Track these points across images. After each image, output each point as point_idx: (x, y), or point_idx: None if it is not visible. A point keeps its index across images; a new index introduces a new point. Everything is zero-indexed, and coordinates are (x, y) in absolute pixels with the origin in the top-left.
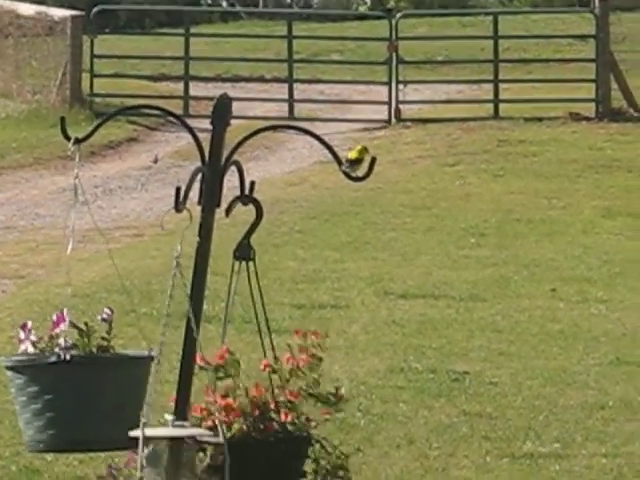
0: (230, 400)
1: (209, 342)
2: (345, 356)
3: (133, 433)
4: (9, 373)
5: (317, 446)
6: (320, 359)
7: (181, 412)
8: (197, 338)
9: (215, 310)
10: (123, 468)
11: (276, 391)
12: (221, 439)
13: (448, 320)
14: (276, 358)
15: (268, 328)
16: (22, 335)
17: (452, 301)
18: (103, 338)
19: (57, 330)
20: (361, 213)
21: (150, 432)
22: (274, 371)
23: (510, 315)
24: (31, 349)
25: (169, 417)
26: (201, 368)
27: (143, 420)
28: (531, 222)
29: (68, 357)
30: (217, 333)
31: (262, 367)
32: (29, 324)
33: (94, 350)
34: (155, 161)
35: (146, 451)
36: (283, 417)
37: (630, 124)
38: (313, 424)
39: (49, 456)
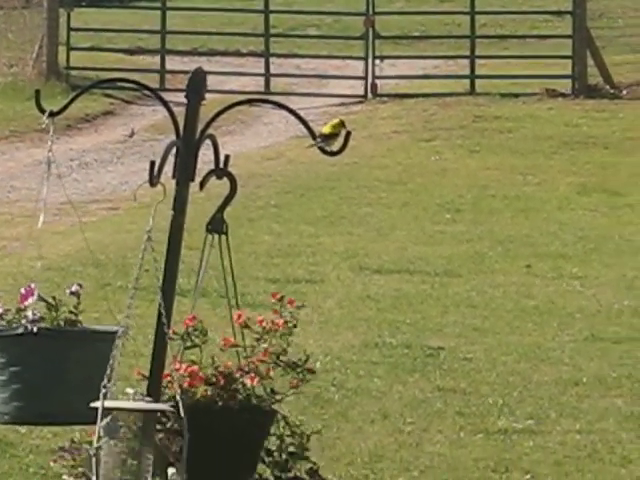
0: (196, 367)
1: (183, 315)
2: (319, 331)
3: (93, 404)
4: None
5: (282, 423)
6: (294, 326)
7: (154, 385)
8: (164, 313)
9: (189, 284)
10: (85, 439)
11: (243, 353)
12: (181, 412)
13: (423, 295)
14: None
15: (237, 302)
16: None
17: (427, 276)
18: (71, 312)
19: (25, 303)
20: (337, 188)
21: (109, 404)
22: (246, 325)
23: (485, 291)
24: None
25: (130, 390)
26: (169, 339)
27: (103, 391)
28: (506, 198)
29: (35, 329)
30: (191, 307)
31: (235, 318)
32: None
33: (62, 324)
34: (131, 135)
35: (104, 421)
36: (249, 381)
37: (606, 101)
38: (278, 397)
39: (23, 429)
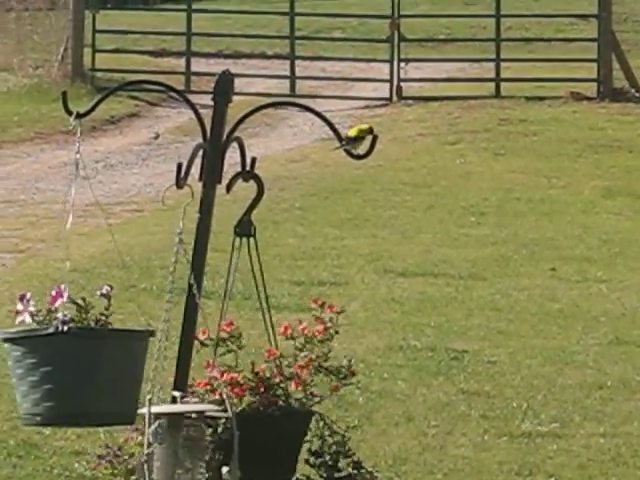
0: (235, 374)
1: (208, 318)
2: (344, 333)
3: (140, 411)
4: (6, 345)
5: (321, 423)
6: (336, 332)
7: (180, 388)
8: (200, 312)
9: (215, 286)
10: (124, 447)
11: (285, 362)
12: (229, 413)
13: (447, 298)
14: (273, 332)
15: (268, 304)
16: (20, 306)
17: (451, 279)
18: (101, 314)
19: (55, 304)
20: (361, 190)
21: (157, 409)
22: (292, 337)
23: (509, 294)
24: (29, 320)
25: (177, 393)
26: (202, 344)
27: (149, 396)
28: (531, 201)
29: (65, 329)
30: (217, 309)
31: (282, 330)
32: (28, 295)
33: (92, 324)
34: (156, 137)
35: (152, 427)
36: (293, 386)
37: (631, 104)
38: (317, 399)
39: (47, 430)
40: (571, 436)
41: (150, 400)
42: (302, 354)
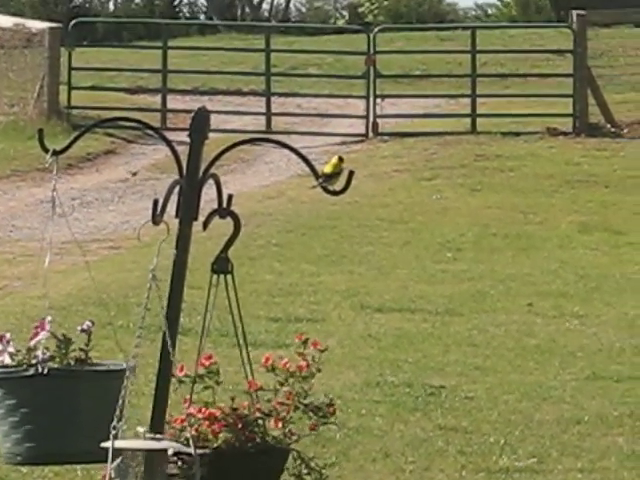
0: (213, 410)
1: (185, 354)
2: (321, 369)
3: (104, 444)
4: None
5: (298, 461)
6: (318, 370)
7: (157, 425)
8: (172, 359)
9: (192, 323)
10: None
11: (265, 397)
12: (193, 452)
13: (424, 334)
14: (252, 370)
15: (245, 341)
16: (0, 346)
17: (428, 315)
18: (81, 349)
19: (36, 339)
20: (338, 227)
21: (121, 444)
22: (273, 369)
23: (486, 329)
24: (8, 360)
25: (141, 429)
26: (179, 382)
27: (113, 432)
28: (508, 237)
29: (46, 370)
30: (193, 346)
31: (263, 361)
32: (7, 335)
33: (72, 362)
34: (134, 174)
35: (115, 463)
36: (273, 424)
37: (607, 139)
38: (295, 437)
39: (24, 468)
40: (549, 471)
41: (115, 435)
42: (284, 388)
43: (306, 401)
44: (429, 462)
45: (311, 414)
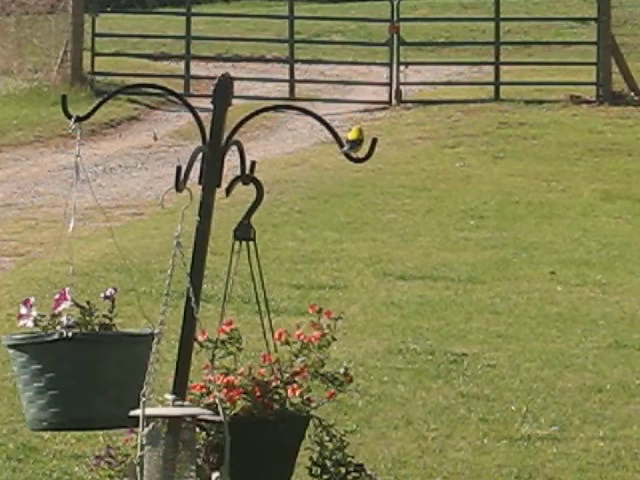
0: (231, 377)
1: (207, 321)
2: (343, 337)
3: (133, 412)
4: (11, 351)
5: (319, 428)
6: (332, 339)
7: (180, 391)
8: (197, 317)
9: (214, 289)
10: (121, 447)
11: (282, 367)
12: (221, 417)
13: (447, 302)
14: (273, 335)
15: (267, 308)
16: (23, 310)
17: (451, 283)
18: (105, 316)
19: (59, 309)
20: (361, 194)
21: (150, 411)
22: (287, 342)
23: (509, 297)
24: (30, 324)
25: (169, 397)
26: (201, 345)
27: (143, 399)
28: (530, 205)
29: (70, 335)
30: (216, 312)
31: (277, 336)
32: (32, 300)
33: (96, 328)
34: (155, 138)
35: (146, 430)
36: (290, 392)
37: (630, 107)
38: (313, 405)
39: (46, 434)
40: (570, 439)
41: (145, 402)
42: (298, 360)
43: (322, 370)
44: (451, 430)
45: (328, 383)
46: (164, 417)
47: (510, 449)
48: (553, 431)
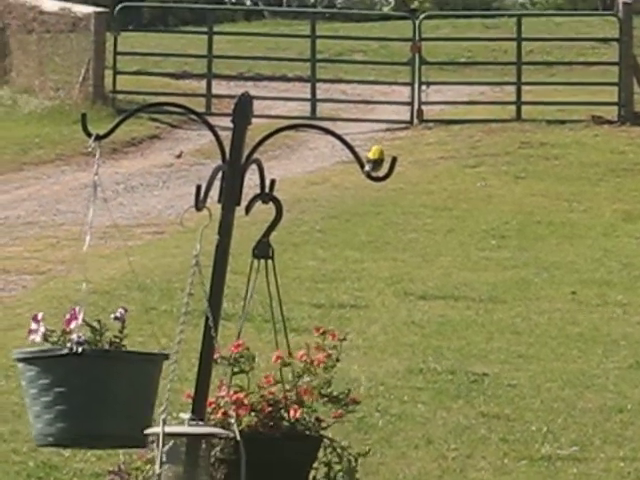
0: (241, 395)
1: (228, 340)
2: (364, 356)
3: (152, 430)
4: (20, 365)
5: (329, 449)
6: (337, 360)
7: (199, 409)
8: (214, 336)
9: (235, 308)
10: (136, 461)
11: (287, 387)
12: (237, 436)
13: (467, 321)
14: (290, 354)
15: (285, 327)
16: (33, 325)
17: (472, 302)
18: (115, 336)
19: (70, 327)
20: (382, 213)
21: (169, 429)
22: (285, 364)
23: (530, 317)
24: (38, 339)
25: (185, 415)
26: (215, 363)
27: (163, 416)
28: (552, 225)
29: (80, 350)
30: (236, 331)
31: (274, 359)
32: (40, 315)
33: (106, 346)
34: (179, 155)
35: (167, 447)
36: (292, 413)
37: None
38: (324, 425)
39: (67, 452)
40: (591, 460)
41: (164, 420)
42: (303, 380)
43: (327, 391)
44: (471, 449)
45: (331, 405)
46: (182, 435)
47: (530, 469)
48: (574, 451)
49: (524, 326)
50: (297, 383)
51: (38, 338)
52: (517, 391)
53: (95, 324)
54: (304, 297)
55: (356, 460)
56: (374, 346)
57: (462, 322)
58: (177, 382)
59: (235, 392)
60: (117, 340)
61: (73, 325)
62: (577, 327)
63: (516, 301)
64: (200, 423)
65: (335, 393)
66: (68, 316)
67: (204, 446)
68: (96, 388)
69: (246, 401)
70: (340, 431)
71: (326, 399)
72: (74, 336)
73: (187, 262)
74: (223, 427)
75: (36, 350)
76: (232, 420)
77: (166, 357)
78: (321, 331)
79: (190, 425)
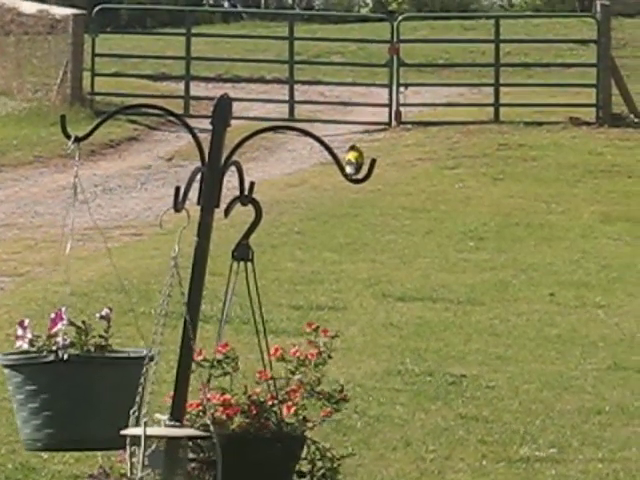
0: (228, 396)
1: (206, 342)
2: (342, 358)
3: (132, 431)
4: (6, 371)
5: (312, 447)
6: (329, 357)
7: (177, 412)
8: (193, 339)
9: (213, 310)
10: (116, 464)
11: (278, 385)
12: (214, 437)
13: (446, 323)
14: (266, 360)
15: (264, 329)
16: (20, 332)
17: (450, 304)
18: (101, 336)
19: (55, 329)
20: (360, 215)
21: (151, 431)
22: (283, 358)
23: (508, 319)
24: (25, 346)
25: (161, 417)
26: (198, 365)
27: (144, 419)
28: (530, 226)
29: (65, 356)
30: (214, 333)
31: (272, 352)
32: (26, 322)
33: (92, 349)
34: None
35: (149, 450)
36: (285, 411)
37: (630, 130)
38: (310, 425)
39: (45, 454)
40: (569, 461)
41: (146, 422)
42: (295, 377)
43: (318, 388)
44: (450, 451)
45: (324, 401)
46: (163, 437)
47: (509, 471)
48: (552, 453)
49: (502, 328)
50: (290, 380)
51: (25, 345)
52: (495, 393)
53: (80, 324)
54: (283, 299)
55: (339, 461)
56: (352, 348)
57: (440, 324)
58: (156, 384)
59: (222, 394)
60: (103, 340)
61: (59, 326)
62: (555, 329)
63: (494, 303)
64: (178, 424)
65: (327, 390)
66: (53, 316)
67: (182, 447)
68: (82, 393)
69: (233, 402)
70: (319, 433)
71: (318, 396)
72: (59, 339)
73: (165, 264)
74: (209, 430)
75: (22, 357)
76: (209, 422)
77: (151, 359)
78: (313, 327)
79: (167, 426)
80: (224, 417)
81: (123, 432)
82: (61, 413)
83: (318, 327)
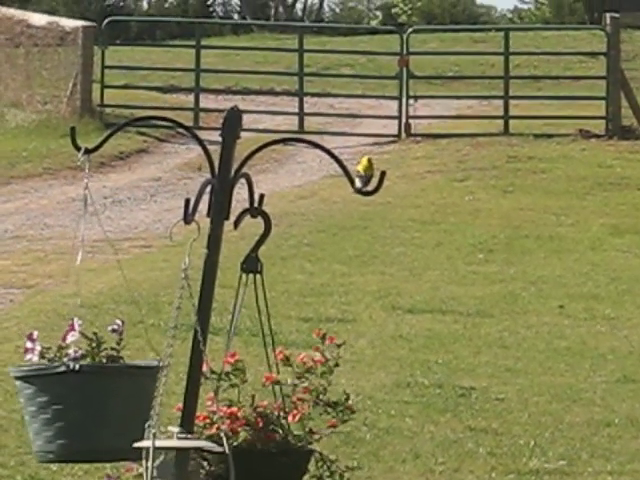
0: (235, 409)
1: (216, 354)
2: (352, 370)
3: (142, 444)
4: (18, 383)
5: (319, 463)
6: (335, 365)
7: (187, 423)
8: (203, 350)
9: (222, 322)
10: (124, 475)
11: (284, 390)
12: (226, 450)
13: (455, 335)
14: (274, 370)
15: (272, 341)
16: (29, 344)
17: (459, 316)
18: (113, 348)
19: (67, 340)
20: (370, 227)
21: (159, 443)
22: (287, 360)
23: (517, 331)
24: (35, 359)
25: (174, 429)
26: (205, 378)
27: (153, 431)
28: (539, 238)
29: (77, 367)
30: (224, 345)
31: (275, 355)
32: (35, 334)
33: (103, 360)
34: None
35: (157, 461)
36: (290, 418)
37: (639, 142)
38: (316, 437)
39: (54, 466)
40: (579, 474)
41: (154, 434)
42: (302, 384)
43: (324, 398)
44: (459, 463)
45: (330, 410)
46: (172, 449)
47: None
48: (561, 465)
49: (512, 340)
50: (296, 386)
51: (35, 357)
52: (505, 405)
53: (91, 336)
54: (292, 311)
55: (346, 473)
56: (362, 360)
57: (450, 336)
58: (165, 396)
59: (228, 406)
60: (115, 353)
61: (70, 337)
62: (565, 341)
63: (504, 315)
64: (189, 436)
65: (333, 399)
66: (68, 328)
67: (193, 460)
68: (94, 404)
69: (240, 414)
70: (328, 445)
71: (323, 404)
72: (70, 351)
73: (175, 276)
74: (217, 442)
75: (34, 368)
76: (222, 434)
77: (162, 369)
78: (321, 334)
79: (179, 438)
80: (230, 431)
81: (136, 445)
82: (73, 424)
83: (325, 334)
